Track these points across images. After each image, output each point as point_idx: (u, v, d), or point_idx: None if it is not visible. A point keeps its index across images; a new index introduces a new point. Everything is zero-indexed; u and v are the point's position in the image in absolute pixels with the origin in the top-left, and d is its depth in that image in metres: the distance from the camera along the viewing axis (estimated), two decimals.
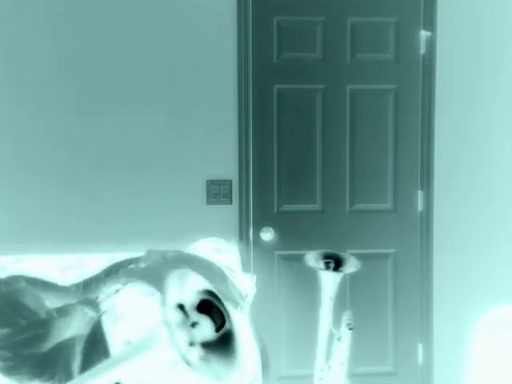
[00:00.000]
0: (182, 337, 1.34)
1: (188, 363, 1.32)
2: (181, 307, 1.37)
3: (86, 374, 1.51)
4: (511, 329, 3.21)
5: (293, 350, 3.23)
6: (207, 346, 1.36)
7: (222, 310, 1.40)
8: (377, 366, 3.28)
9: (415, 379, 3.30)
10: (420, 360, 3.30)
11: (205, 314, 1.37)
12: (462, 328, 3.23)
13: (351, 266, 2.41)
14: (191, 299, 1.38)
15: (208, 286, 1.44)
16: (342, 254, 2.41)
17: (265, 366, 2.24)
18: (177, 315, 1.35)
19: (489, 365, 3.23)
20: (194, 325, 1.36)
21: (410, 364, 3.30)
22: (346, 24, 3.16)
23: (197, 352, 1.34)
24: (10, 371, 1.98)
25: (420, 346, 3.29)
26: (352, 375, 3.27)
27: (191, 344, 1.35)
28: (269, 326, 2.98)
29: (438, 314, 3.25)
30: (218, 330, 1.39)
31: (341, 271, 2.38)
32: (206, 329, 1.37)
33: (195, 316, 1.36)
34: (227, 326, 1.39)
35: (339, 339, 2.30)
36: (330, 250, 2.42)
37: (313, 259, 2.43)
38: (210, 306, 1.39)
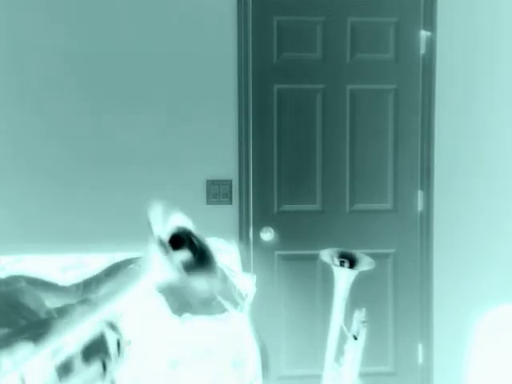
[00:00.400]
0: (167, 263, 1.48)
1: (186, 281, 1.50)
2: (160, 241, 1.51)
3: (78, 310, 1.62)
4: (511, 329, 3.21)
5: (293, 349, 3.23)
6: (188, 269, 1.51)
7: (193, 238, 1.61)
8: (377, 366, 3.28)
9: (415, 379, 3.30)
10: (420, 360, 3.30)
11: (178, 246, 1.54)
12: (461, 328, 3.23)
13: (365, 264, 2.42)
14: (166, 234, 1.55)
15: (183, 222, 1.66)
16: (356, 254, 2.41)
17: (265, 366, 2.24)
18: (160, 247, 1.49)
19: (489, 365, 3.23)
20: (172, 256, 1.49)
21: (410, 364, 3.30)
22: (346, 24, 3.16)
23: (181, 272, 1.48)
24: None
25: (420, 346, 3.29)
26: None
27: (176, 266, 1.49)
28: (269, 326, 2.98)
29: (438, 314, 3.25)
30: (193, 254, 1.57)
31: (355, 269, 2.38)
32: (184, 253, 1.54)
33: (170, 249, 1.51)
34: (198, 248, 1.59)
35: (356, 338, 2.30)
36: (345, 249, 2.42)
37: (328, 256, 2.43)
38: (181, 240, 1.58)
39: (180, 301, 2.15)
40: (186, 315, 2.09)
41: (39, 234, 3.05)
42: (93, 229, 3.08)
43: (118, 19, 3.06)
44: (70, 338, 1.57)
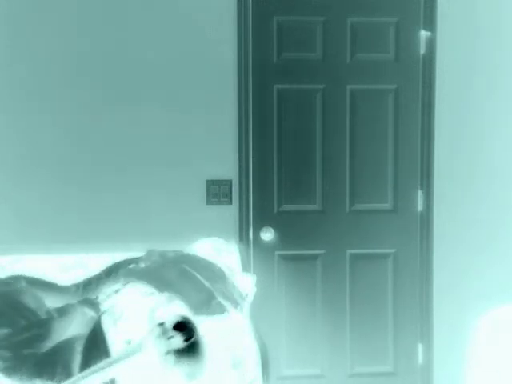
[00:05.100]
0: (161, 346, 1.86)
1: (166, 366, 1.85)
2: (161, 324, 1.89)
3: (81, 374, 1.91)
4: (511, 329, 3.21)
5: (293, 349, 3.23)
6: (179, 353, 1.87)
7: (192, 327, 1.92)
8: (377, 365, 3.28)
9: (415, 379, 3.30)
10: (420, 360, 3.30)
11: (178, 330, 1.89)
12: (461, 328, 3.23)
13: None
14: (170, 319, 1.91)
15: (185, 311, 2.02)
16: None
17: (265, 365, 2.24)
18: (158, 329, 1.88)
19: (488, 365, 3.23)
20: (170, 338, 1.87)
21: (410, 364, 3.30)
22: (346, 24, 3.16)
23: (172, 358, 1.86)
24: (10, 371, 1.98)
25: (420, 346, 3.29)
26: (352, 375, 3.28)
27: (167, 353, 1.86)
28: (269, 326, 2.98)
29: (438, 314, 3.25)
30: (186, 341, 1.89)
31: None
32: (178, 340, 1.87)
33: (171, 332, 1.88)
34: (194, 338, 1.90)
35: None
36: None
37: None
38: (183, 325, 1.91)
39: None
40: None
41: (39, 233, 3.05)
42: (93, 229, 3.08)
43: (118, 19, 3.06)
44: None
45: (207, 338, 2.02)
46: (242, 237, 3.15)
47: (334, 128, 3.19)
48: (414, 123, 3.22)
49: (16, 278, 2.39)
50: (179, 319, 1.92)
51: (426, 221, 3.24)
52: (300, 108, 3.18)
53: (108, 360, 1.94)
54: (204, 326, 2.09)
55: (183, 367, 1.88)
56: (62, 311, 2.21)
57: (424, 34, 3.18)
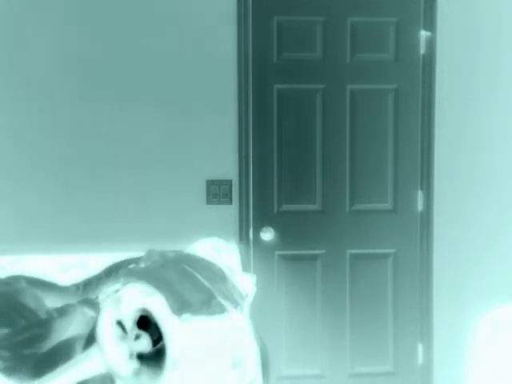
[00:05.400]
0: (123, 349, 1.58)
1: (119, 377, 1.57)
2: (119, 323, 1.60)
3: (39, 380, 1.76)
4: (511, 329, 3.21)
5: (293, 350, 3.23)
6: (142, 358, 1.59)
7: (159, 325, 1.62)
8: (377, 365, 3.28)
9: (415, 379, 3.30)
10: (420, 360, 3.30)
11: (143, 329, 1.59)
12: (461, 328, 3.23)
13: None
14: (130, 316, 1.59)
15: (145, 303, 1.67)
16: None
17: (265, 365, 2.24)
18: (116, 331, 1.59)
19: (488, 365, 3.23)
20: (138, 337, 1.59)
21: (410, 364, 3.30)
22: (346, 24, 3.16)
23: (133, 364, 1.58)
24: (10, 371, 1.98)
25: (420, 346, 3.29)
26: (352, 375, 3.28)
27: (131, 356, 1.59)
28: (269, 326, 2.98)
29: (438, 314, 3.25)
30: (155, 343, 1.60)
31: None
32: (145, 342, 1.60)
33: (136, 330, 1.59)
34: (163, 341, 1.61)
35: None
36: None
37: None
38: (147, 322, 1.60)
39: (180, 301, 2.15)
40: (186, 315, 2.09)
41: (39, 233, 3.05)
42: (93, 229, 3.08)
43: (118, 19, 3.06)
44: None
45: (207, 337, 2.01)
46: (242, 237, 3.15)
47: (334, 128, 3.19)
48: (414, 123, 3.22)
49: (16, 278, 2.39)
50: (141, 313, 1.64)
51: (426, 221, 3.24)
52: (300, 108, 3.18)
53: (64, 366, 1.87)
54: (204, 325, 2.09)
55: (141, 379, 1.59)
56: (62, 311, 2.21)
57: (424, 33, 3.18)
